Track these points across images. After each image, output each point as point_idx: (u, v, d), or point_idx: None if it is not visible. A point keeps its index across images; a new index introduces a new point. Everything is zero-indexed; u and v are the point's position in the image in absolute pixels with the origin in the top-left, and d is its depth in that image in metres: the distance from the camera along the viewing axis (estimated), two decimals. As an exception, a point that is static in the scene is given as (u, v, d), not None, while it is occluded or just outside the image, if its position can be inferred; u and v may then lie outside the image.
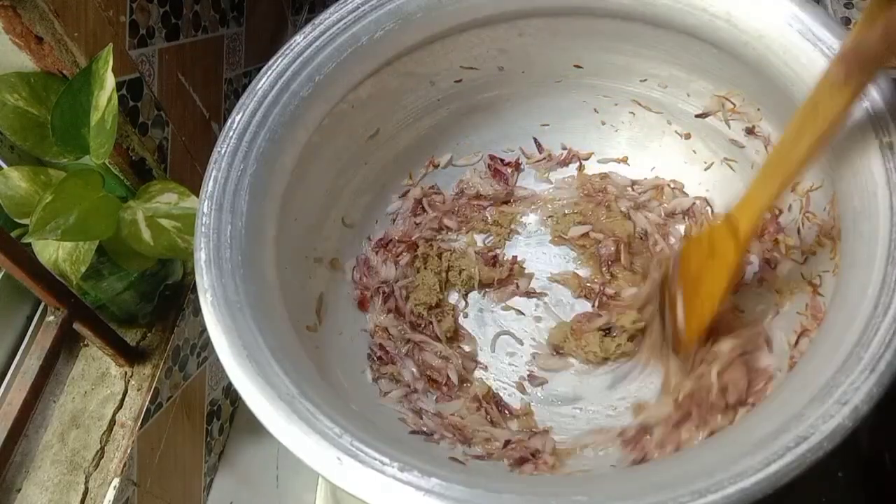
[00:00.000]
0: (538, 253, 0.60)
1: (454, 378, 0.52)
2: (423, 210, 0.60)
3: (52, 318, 0.56)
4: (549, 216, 0.61)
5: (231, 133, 0.45)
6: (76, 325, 0.55)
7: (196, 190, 0.45)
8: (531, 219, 0.62)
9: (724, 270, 0.45)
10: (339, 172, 0.55)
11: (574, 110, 0.60)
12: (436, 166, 0.62)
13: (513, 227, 0.61)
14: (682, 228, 0.58)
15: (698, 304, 0.47)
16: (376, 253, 0.58)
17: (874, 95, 0.40)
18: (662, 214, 0.59)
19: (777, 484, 0.31)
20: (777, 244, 0.51)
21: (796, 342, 0.45)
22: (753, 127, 0.52)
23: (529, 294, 0.58)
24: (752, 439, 0.33)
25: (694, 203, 0.58)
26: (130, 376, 0.60)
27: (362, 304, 0.56)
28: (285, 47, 0.48)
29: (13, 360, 0.56)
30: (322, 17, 0.49)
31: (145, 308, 0.62)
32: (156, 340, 0.62)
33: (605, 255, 0.57)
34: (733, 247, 0.44)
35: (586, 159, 0.62)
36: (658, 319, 0.51)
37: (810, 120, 0.38)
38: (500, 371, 0.55)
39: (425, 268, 0.58)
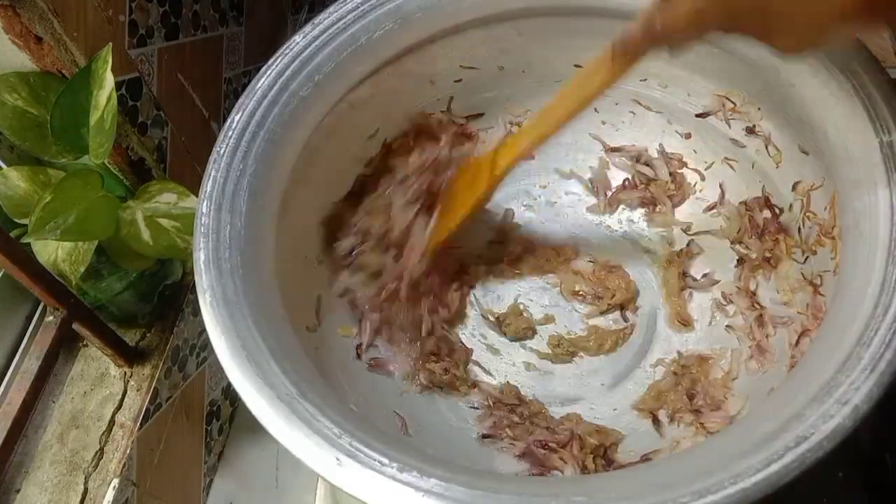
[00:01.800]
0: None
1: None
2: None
3: (51, 318, 0.56)
4: None
5: (230, 133, 0.45)
6: (75, 326, 0.55)
7: (195, 190, 0.45)
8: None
9: (472, 196, 0.51)
10: (339, 172, 0.55)
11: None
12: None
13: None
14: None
15: (445, 219, 0.52)
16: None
17: (874, 95, 0.40)
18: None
19: (777, 484, 0.31)
20: (778, 244, 0.51)
21: (797, 342, 0.45)
22: (754, 126, 0.52)
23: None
24: (753, 439, 0.33)
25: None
26: (130, 376, 0.60)
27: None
28: (285, 47, 0.48)
29: (13, 361, 0.56)
30: (322, 17, 0.49)
31: (144, 308, 0.62)
32: (155, 341, 0.62)
33: None
34: (486, 179, 0.50)
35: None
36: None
37: (578, 87, 0.44)
38: (501, 371, 0.55)
39: None
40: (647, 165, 0.59)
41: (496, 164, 0.50)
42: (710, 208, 0.57)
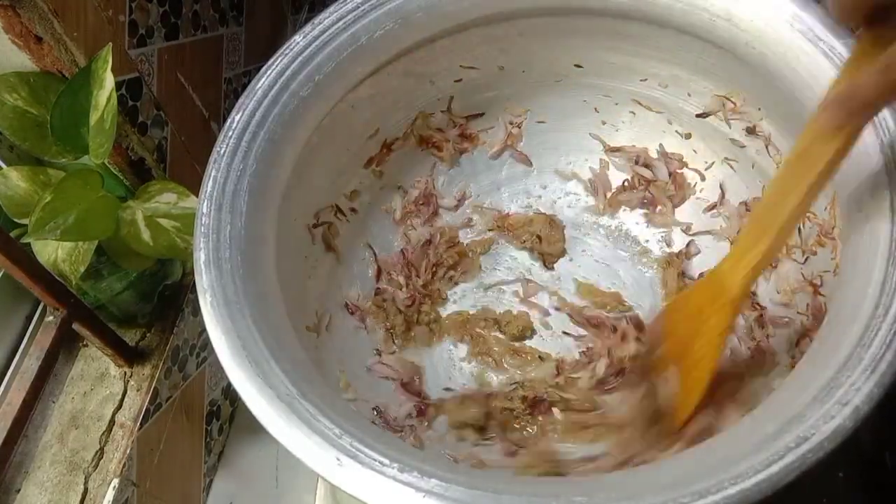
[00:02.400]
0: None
1: None
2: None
3: (51, 318, 0.56)
4: None
5: (230, 133, 0.45)
6: (75, 326, 0.55)
7: (195, 190, 0.45)
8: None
9: (717, 337, 0.40)
10: (339, 172, 0.55)
11: (574, 110, 0.60)
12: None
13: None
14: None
15: (690, 377, 0.41)
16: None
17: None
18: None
19: (778, 484, 0.31)
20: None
21: (797, 342, 0.45)
22: (754, 126, 0.52)
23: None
24: (753, 440, 0.33)
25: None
26: (130, 376, 0.60)
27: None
28: (285, 47, 0.47)
29: (12, 361, 0.56)
30: (322, 17, 0.48)
31: (144, 308, 0.62)
32: (155, 341, 0.62)
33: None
34: (726, 310, 0.39)
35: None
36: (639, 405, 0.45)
37: (801, 170, 0.35)
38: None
39: None
40: (647, 167, 0.59)
41: (726, 288, 0.39)
42: (710, 208, 0.57)
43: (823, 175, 0.35)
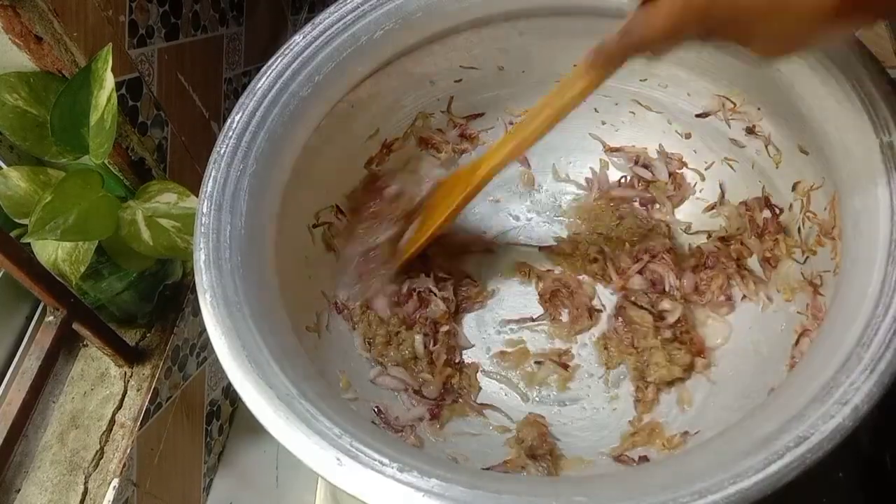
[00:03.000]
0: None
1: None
2: None
3: (51, 318, 0.56)
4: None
5: (230, 133, 0.45)
6: (75, 326, 0.55)
7: (195, 190, 0.45)
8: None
9: (450, 203, 0.51)
10: (339, 172, 0.55)
11: (574, 110, 0.60)
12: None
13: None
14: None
15: (422, 228, 0.53)
16: None
17: (874, 95, 0.40)
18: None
19: (777, 484, 0.31)
20: (777, 243, 0.51)
21: (797, 342, 0.45)
22: (754, 126, 0.52)
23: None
24: (753, 439, 0.33)
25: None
26: (130, 376, 0.60)
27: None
28: (285, 47, 0.48)
29: (13, 361, 0.56)
30: (321, 17, 0.49)
31: (145, 308, 0.62)
32: (155, 340, 0.62)
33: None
34: (463, 187, 0.50)
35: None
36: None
37: (558, 95, 0.44)
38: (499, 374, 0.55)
39: None
40: (646, 167, 0.59)
41: (475, 172, 0.50)
42: (709, 208, 0.57)
43: (567, 105, 0.44)
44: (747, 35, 0.32)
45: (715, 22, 0.32)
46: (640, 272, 0.56)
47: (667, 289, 0.54)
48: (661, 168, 0.59)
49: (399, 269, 0.55)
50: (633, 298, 0.54)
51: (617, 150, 0.60)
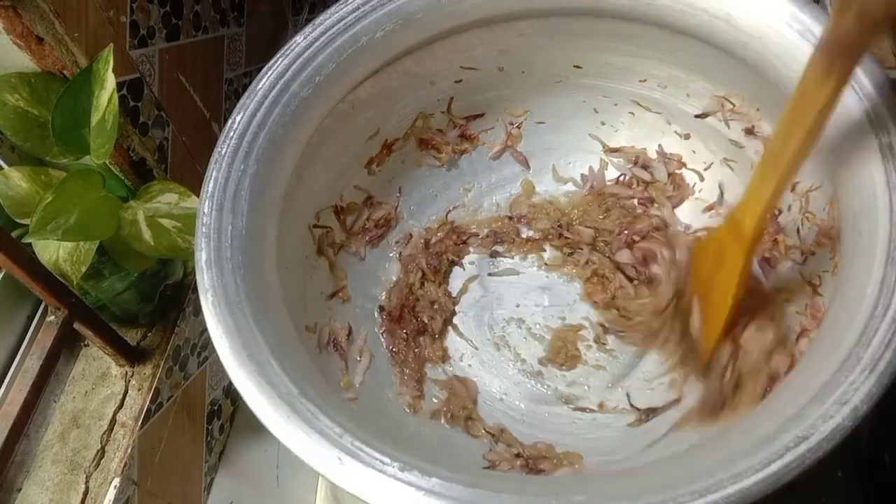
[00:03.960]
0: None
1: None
2: None
3: (52, 318, 0.56)
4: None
5: (231, 133, 0.45)
6: (77, 325, 0.55)
7: (196, 190, 0.45)
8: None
9: (734, 276, 0.44)
10: (339, 172, 0.55)
11: (574, 110, 0.60)
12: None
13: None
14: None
15: (711, 312, 0.47)
16: None
17: (874, 95, 0.40)
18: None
19: (777, 484, 0.31)
20: (776, 244, 0.51)
21: (796, 342, 0.45)
22: (753, 127, 0.52)
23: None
24: (752, 439, 0.33)
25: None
26: (131, 376, 0.60)
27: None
28: (286, 48, 0.48)
29: (14, 360, 0.56)
30: (322, 18, 0.49)
31: (146, 308, 0.62)
32: (156, 340, 0.62)
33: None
34: (739, 250, 0.43)
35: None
36: (674, 329, 0.51)
37: (799, 113, 0.37)
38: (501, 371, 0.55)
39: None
40: (645, 168, 0.59)
41: (741, 230, 0.43)
42: (708, 209, 0.57)
43: (819, 118, 0.36)
44: None
45: None
46: (628, 247, 0.56)
47: (658, 260, 0.55)
48: (660, 168, 0.59)
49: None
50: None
51: (616, 150, 0.61)
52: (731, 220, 0.44)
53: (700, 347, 0.48)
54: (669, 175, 0.59)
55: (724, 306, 0.45)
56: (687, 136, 0.57)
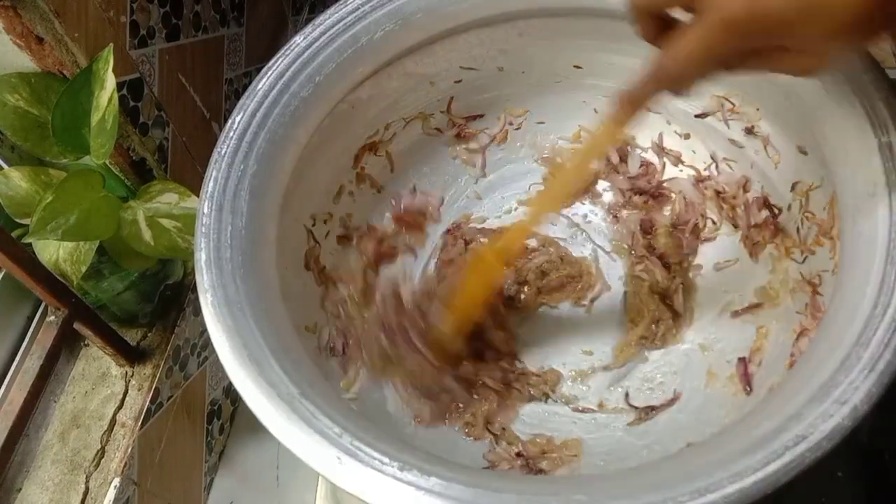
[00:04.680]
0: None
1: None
2: None
3: (52, 318, 0.56)
4: None
5: (231, 133, 0.45)
6: (77, 325, 0.56)
7: (196, 190, 0.45)
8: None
9: (486, 288, 0.50)
10: (340, 172, 0.55)
11: (574, 110, 0.60)
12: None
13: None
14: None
15: (460, 313, 0.49)
16: None
17: (873, 96, 0.40)
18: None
19: (776, 483, 0.31)
20: (776, 244, 0.51)
21: (796, 341, 0.46)
22: (753, 127, 0.52)
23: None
24: (752, 438, 0.33)
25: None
26: (131, 376, 0.60)
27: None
28: (286, 48, 0.48)
29: (14, 360, 0.56)
30: (322, 18, 0.49)
31: (146, 308, 0.62)
32: (156, 340, 0.62)
33: None
34: (497, 268, 0.49)
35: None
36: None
37: (581, 149, 0.44)
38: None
39: None
40: (623, 161, 0.60)
41: (506, 251, 0.48)
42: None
43: (593, 151, 0.44)
44: (777, 60, 0.32)
45: (744, 42, 0.31)
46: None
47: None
48: (635, 160, 0.59)
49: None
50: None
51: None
52: (495, 244, 0.49)
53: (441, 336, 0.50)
54: (642, 166, 0.59)
55: (475, 308, 0.50)
56: (687, 136, 0.57)
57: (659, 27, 0.34)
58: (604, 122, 0.41)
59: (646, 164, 0.59)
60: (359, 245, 0.56)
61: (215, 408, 0.70)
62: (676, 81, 0.34)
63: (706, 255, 0.56)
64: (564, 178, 0.45)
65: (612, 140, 0.43)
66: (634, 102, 0.38)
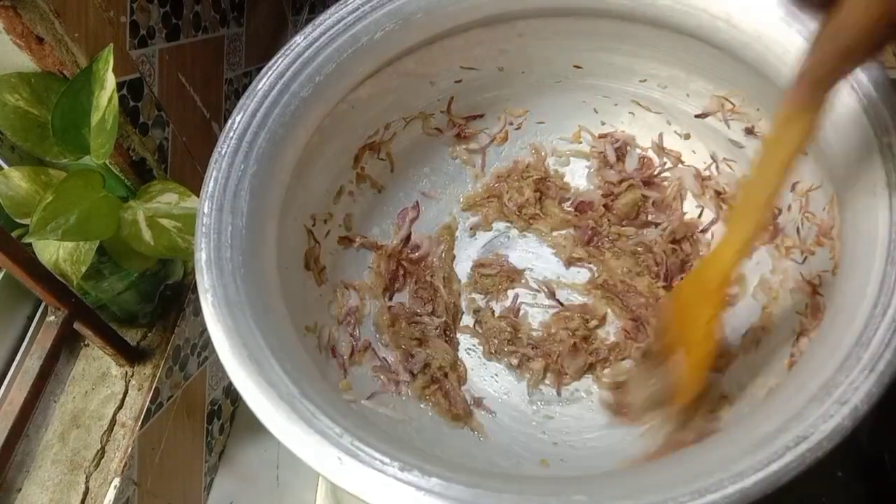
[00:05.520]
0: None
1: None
2: None
3: (52, 318, 0.56)
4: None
5: (231, 133, 0.45)
6: (77, 325, 0.55)
7: (196, 190, 0.45)
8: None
9: (707, 324, 0.43)
10: (340, 172, 0.55)
11: (574, 110, 0.60)
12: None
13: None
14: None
15: (690, 363, 0.45)
16: None
17: (874, 95, 0.40)
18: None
19: (777, 484, 0.31)
20: (776, 244, 0.51)
21: (796, 341, 0.46)
22: (753, 127, 0.52)
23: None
24: (752, 439, 0.33)
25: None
26: (131, 376, 0.60)
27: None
28: (286, 48, 0.48)
29: (14, 360, 0.56)
30: (322, 18, 0.49)
31: (146, 308, 0.62)
32: (156, 340, 0.62)
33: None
34: (711, 298, 0.43)
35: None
36: (645, 375, 0.49)
37: (771, 156, 0.37)
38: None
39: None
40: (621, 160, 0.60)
41: (717, 275, 0.42)
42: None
43: (793, 152, 0.36)
44: None
45: None
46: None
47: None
48: (633, 156, 0.59)
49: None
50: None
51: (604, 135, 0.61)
52: (703, 267, 0.44)
53: (681, 398, 0.46)
54: (640, 159, 0.59)
55: (703, 353, 0.44)
56: (687, 136, 0.57)
57: None
58: (782, 122, 0.36)
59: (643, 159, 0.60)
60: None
61: (215, 408, 0.70)
62: (866, 45, 0.30)
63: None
64: (763, 194, 0.38)
65: (804, 140, 0.35)
66: (820, 84, 0.33)
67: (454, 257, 0.61)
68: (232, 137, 0.45)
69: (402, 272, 0.58)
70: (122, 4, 0.54)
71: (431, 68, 0.55)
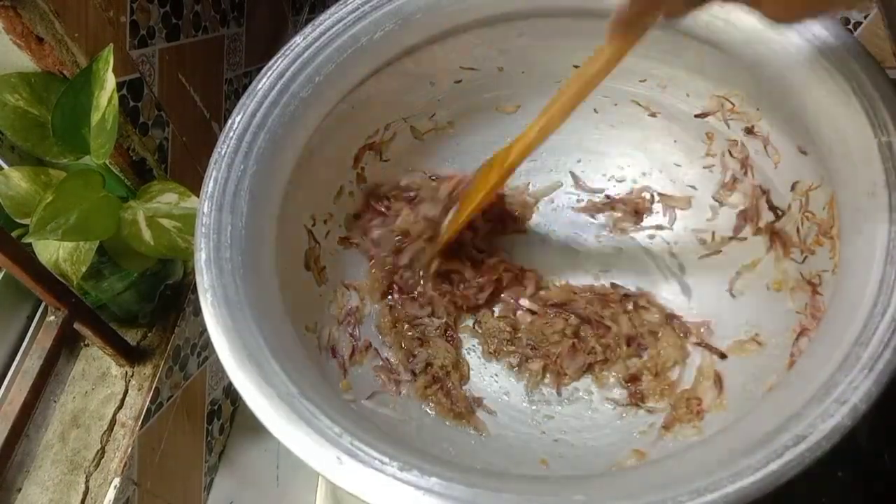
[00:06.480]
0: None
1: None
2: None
3: (52, 318, 0.56)
4: None
5: (231, 134, 0.45)
6: (77, 325, 0.56)
7: (196, 190, 0.45)
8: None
9: (484, 187, 0.51)
10: (340, 172, 0.55)
11: (573, 111, 0.60)
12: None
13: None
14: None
15: (461, 212, 0.54)
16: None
17: (874, 95, 0.40)
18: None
19: (776, 483, 0.31)
20: (776, 244, 0.51)
21: (796, 341, 0.46)
22: (752, 126, 0.52)
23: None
24: (751, 438, 0.33)
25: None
26: (131, 376, 0.60)
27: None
28: (285, 48, 0.48)
29: (14, 360, 0.56)
30: (322, 18, 0.49)
31: (146, 308, 0.62)
32: (156, 340, 0.62)
33: None
34: (497, 171, 0.50)
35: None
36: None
37: (580, 75, 0.43)
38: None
39: None
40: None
41: (508, 153, 0.50)
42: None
43: (593, 79, 0.43)
44: None
45: None
46: None
47: None
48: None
49: (437, 254, 0.55)
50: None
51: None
52: (504, 148, 0.50)
53: (440, 238, 0.55)
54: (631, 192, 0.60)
55: (471, 206, 0.52)
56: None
57: None
58: (597, 51, 0.41)
59: None
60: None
61: (215, 408, 0.70)
62: (667, 5, 0.34)
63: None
64: (566, 102, 0.45)
65: (607, 67, 0.41)
66: (629, 25, 0.38)
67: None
68: (232, 137, 0.45)
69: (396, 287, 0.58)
70: (122, 4, 0.54)
71: (431, 68, 0.55)
